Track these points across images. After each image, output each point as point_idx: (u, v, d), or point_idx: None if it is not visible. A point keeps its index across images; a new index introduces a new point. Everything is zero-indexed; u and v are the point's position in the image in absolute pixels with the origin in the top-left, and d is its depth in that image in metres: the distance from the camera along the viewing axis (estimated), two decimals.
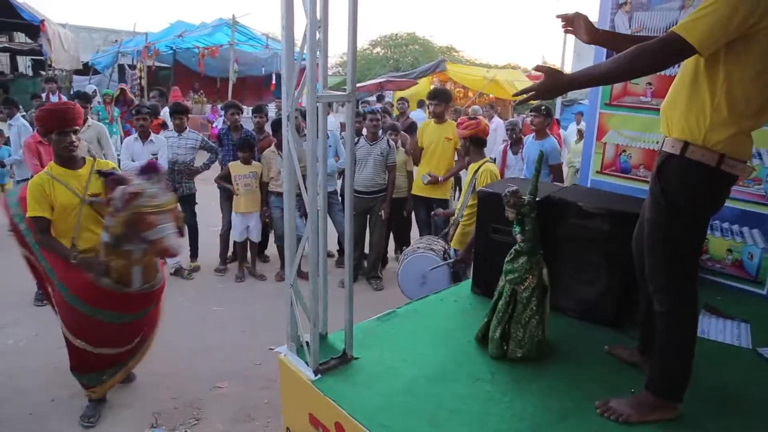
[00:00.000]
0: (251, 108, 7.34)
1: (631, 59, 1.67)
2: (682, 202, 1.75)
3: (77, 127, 3.07)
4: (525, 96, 1.78)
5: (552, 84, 1.74)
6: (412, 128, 6.90)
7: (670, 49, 1.64)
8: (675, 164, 1.77)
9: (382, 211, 5.49)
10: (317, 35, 1.70)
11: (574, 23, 2.21)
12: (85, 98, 6.22)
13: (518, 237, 2.22)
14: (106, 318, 2.97)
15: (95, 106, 8.61)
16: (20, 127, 6.23)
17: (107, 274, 2.88)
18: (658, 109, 3.05)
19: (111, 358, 3.20)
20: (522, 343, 2.18)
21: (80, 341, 3.04)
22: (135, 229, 2.72)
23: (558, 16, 2.26)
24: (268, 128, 6.30)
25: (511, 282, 2.20)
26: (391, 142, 5.62)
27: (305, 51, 1.70)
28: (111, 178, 2.96)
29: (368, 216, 5.58)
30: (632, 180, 3.33)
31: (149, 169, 2.85)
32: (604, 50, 3.27)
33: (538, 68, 1.84)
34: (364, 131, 5.54)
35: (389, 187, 5.53)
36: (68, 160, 3.07)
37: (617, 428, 1.81)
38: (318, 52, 1.73)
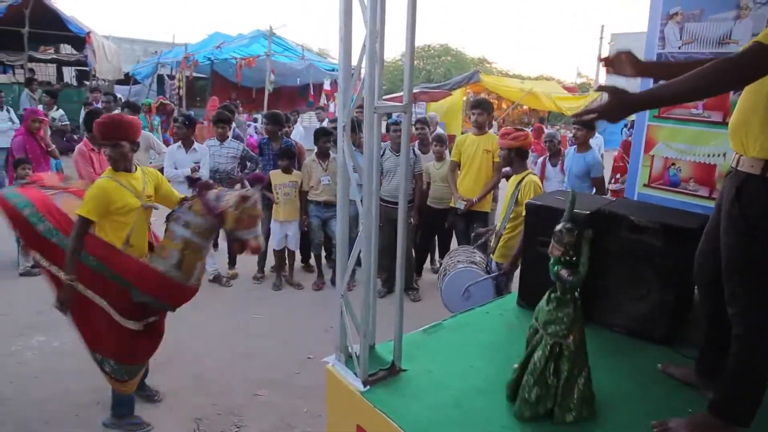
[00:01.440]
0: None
1: (715, 74, 1.56)
2: (765, 223, 1.68)
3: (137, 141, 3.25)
4: (587, 117, 1.69)
5: (618, 105, 1.62)
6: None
7: (761, 61, 1.54)
8: (755, 185, 1.69)
9: (411, 219, 5.52)
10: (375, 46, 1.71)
11: (615, 62, 2.11)
12: (134, 108, 6.34)
13: (564, 274, 1.84)
14: (156, 306, 3.13)
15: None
16: None
17: (179, 267, 3.07)
18: (709, 122, 3.06)
19: (152, 348, 3.30)
20: (572, 407, 1.86)
21: (133, 323, 3.09)
22: (239, 226, 3.04)
23: (601, 60, 2.18)
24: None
25: (552, 335, 1.85)
26: (417, 152, 5.71)
27: (363, 62, 1.71)
28: (200, 183, 3.22)
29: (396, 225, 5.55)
30: (681, 194, 3.24)
31: (257, 180, 3.24)
32: (653, 55, 3.24)
33: (601, 88, 1.74)
34: (389, 142, 5.61)
35: (416, 196, 5.57)
36: (127, 166, 3.18)
37: None
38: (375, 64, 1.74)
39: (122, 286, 2.99)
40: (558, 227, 1.87)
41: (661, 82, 1.86)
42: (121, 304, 3.03)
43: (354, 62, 1.78)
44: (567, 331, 1.84)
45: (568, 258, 1.85)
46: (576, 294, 1.88)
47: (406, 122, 1.83)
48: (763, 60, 1.54)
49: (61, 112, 10.24)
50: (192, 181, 3.32)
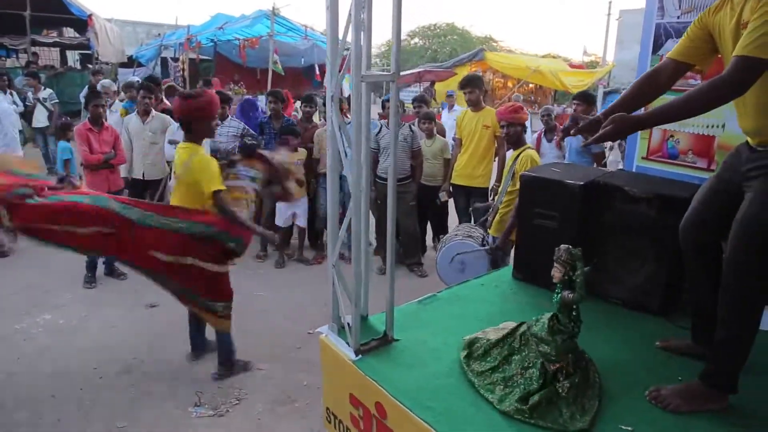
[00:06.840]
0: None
1: (709, 93, 1.72)
2: None
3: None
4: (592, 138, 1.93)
5: (617, 129, 1.85)
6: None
7: (751, 73, 1.65)
8: None
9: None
10: (361, 15, 1.70)
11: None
12: (155, 82, 6.18)
13: (566, 295, 1.76)
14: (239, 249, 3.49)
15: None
16: None
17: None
18: None
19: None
20: (577, 416, 1.73)
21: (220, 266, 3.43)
22: (288, 176, 3.86)
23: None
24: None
25: (542, 354, 1.81)
26: (414, 128, 5.63)
27: (349, 32, 1.70)
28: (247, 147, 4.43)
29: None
30: (680, 166, 3.21)
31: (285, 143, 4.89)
32: (651, 38, 3.20)
33: (610, 119, 1.87)
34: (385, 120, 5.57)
35: (417, 172, 5.53)
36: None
37: (668, 416, 1.77)
38: (362, 33, 1.73)
39: (212, 237, 3.31)
40: (560, 248, 1.78)
41: (658, 106, 1.99)
42: (208, 255, 3.34)
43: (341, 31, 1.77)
44: (555, 358, 1.78)
45: (566, 278, 1.78)
46: (575, 321, 1.81)
47: (394, 92, 1.82)
48: (749, 72, 1.65)
49: (49, 91, 10.03)
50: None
